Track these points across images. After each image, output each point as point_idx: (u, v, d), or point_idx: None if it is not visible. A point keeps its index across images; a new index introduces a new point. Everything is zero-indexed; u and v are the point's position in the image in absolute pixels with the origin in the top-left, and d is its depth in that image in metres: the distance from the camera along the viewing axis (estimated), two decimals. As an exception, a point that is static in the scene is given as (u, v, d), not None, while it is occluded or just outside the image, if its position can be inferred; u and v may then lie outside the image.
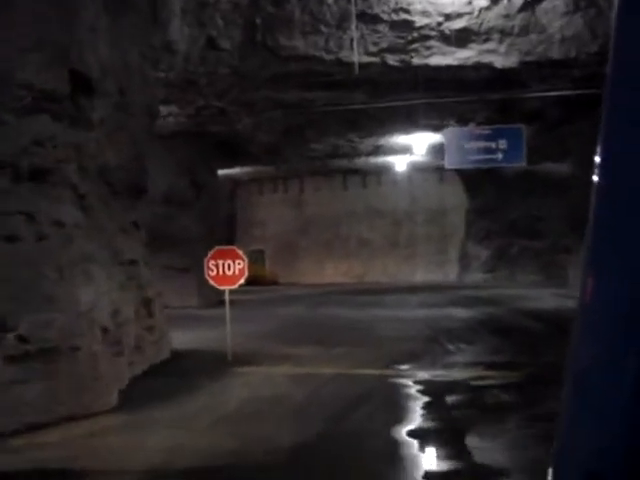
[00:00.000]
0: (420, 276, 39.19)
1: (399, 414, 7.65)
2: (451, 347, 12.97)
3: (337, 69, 17.99)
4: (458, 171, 37.34)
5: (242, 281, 11.84)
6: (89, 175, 9.36)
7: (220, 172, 34.62)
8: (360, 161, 34.02)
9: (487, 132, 18.29)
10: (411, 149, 28.14)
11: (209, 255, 11.81)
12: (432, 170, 37.74)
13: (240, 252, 11.91)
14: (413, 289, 31.44)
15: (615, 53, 1.38)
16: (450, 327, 16.41)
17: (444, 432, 6.87)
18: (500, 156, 18.21)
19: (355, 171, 38.50)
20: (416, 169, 36.86)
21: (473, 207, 38.49)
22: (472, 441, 6.43)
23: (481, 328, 16.26)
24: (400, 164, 34.31)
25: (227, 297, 12.03)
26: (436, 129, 25.01)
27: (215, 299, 27.37)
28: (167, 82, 18.08)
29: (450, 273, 39.39)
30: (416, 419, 7.41)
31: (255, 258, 42.55)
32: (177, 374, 10.77)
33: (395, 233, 40.85)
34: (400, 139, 26.94)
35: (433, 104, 21.04)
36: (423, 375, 10.07)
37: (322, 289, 34.32)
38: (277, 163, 33.56)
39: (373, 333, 15.58)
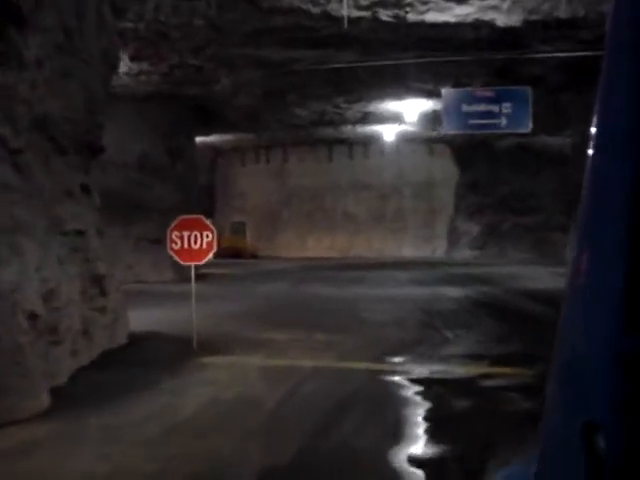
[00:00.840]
0: (407, 251, 37.73)
1: (396, 428, 6.08)
2: (448, 334, 11.43)
3: (324, 24, 16.35)
4: (449, 143, 35.92)
5: (210, 256, 10.24)
6: (22, 126, 7.71)
7: (199, 140, 32.93)
8: (347, 130, 32.39)
9: (490, 94, 16.51)
10: (402, 117, 26.54)
11: (172, 225, 10.19)
12: (421, 141, 36.27)
13: (208, 222, 10.26)
14: (400, 265, 29.93)
15: (616, 10, 1.24)
16: (443, 309, 14.92)
17: (458, 459, 5.30)
18: (504, 121, 16.45)
19: (341, 141, 36.84)
20: (405, 140, 35.33)
21: (463, 181, 37.04)
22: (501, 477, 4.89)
23: (478, 310, 14.79)
24: (389, 134, 32.75)
25: (193, 275, 10.40)
26: (429, 95, 23.38)
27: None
28: (136, 34, 16.36)
29: (438, 249, 37.98)
30: (419, 436, 5.85)
31: (236, 230, 41.09)
32: (131, 365, 9.17)
33: (381, 207, 39.30)
34: (390, 105, 25.27)
35: (427, 66, 19.46)
36: (420, 371, 8.50)
37: (304, 264, 32.81)
38: (257, 130, 31.80)
39: (359, 315, 14.05)
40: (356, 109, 26.27)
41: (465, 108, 16.44)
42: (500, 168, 35.34)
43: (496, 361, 9.07)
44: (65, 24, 8.49)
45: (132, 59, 18.29)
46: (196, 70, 19.55)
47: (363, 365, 8.88)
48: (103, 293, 9.72)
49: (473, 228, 36.62)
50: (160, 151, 24.18)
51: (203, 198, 39.24)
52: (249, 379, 8.23)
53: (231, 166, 41.61)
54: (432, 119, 28.02)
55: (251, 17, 15.97)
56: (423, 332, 11.71)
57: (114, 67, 11.06)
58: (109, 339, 10.00)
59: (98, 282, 9.51)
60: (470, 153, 35.48)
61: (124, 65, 19.08)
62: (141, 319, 13.04)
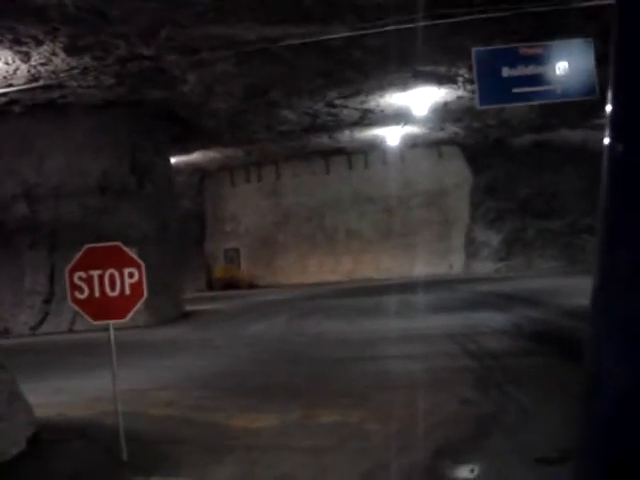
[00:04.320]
0: (420, 269, 33.62)
1: None
2: (523, 398, 7.42)
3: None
4: (459, 144, 32.16)
5: (138, 306, 6.30)
6: None
7: (181, 160, 29.22)
8: (344, 137, 28.53)
9: (539, 52, 12.29)
10: (408, 113, 22.65)
11: (73, 262, 6.27)
12: (428, 145, 32.43)
13: (129, 251, 6.32)
14: (416, 286, 25.81)
15: None
16: (495, 349, 10.91)
17: None
18: (559, 87, 12.36)
19: (338, 151, 32.87)
20: (409, 145, 31.46)
21: (479, 185, 33.09)
22: None
23: (543, 349, 10.85)
24: (392, 138, 28.84)
25: (112, 337, 6.41)
26: (440, 81, 19.52)
27: (174, 312, 21.76)
28: (65, 14, 12.51)
29: (455, 264, 33.96)
30: None
31: (229, 258, 37.38)
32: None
33: (388, 221, 35.26)
34: (394, 99, 21.33)
35: (438, 41, 15.66)
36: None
37: (306, 291, 28.87)
38: (243, 142, 27.83)
39: (379, 367, 10.08)
40: (353, 107, 22.33)
41: (507, 72, 12.23)
42: (518, 168, 31.57)
43: None
44: None
45: (68, 51, 14.43)
46: (151, 61, 15.63)
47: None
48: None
49: (493, 238, 32.65)
50: (124, 170, 20.30)
51: (192, 225, 35.71)
52: None
53: (220, 187, 37.64)
54: (443, 115, 24.19)
55: (211, -19, 12.21)
56: (482, 395, 7.71)
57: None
58: (-18, 453, 6.04)
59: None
60: (484, 153, 31.68)
61: (62, 61, 15.27)
62: (74, 394, 9.24)
